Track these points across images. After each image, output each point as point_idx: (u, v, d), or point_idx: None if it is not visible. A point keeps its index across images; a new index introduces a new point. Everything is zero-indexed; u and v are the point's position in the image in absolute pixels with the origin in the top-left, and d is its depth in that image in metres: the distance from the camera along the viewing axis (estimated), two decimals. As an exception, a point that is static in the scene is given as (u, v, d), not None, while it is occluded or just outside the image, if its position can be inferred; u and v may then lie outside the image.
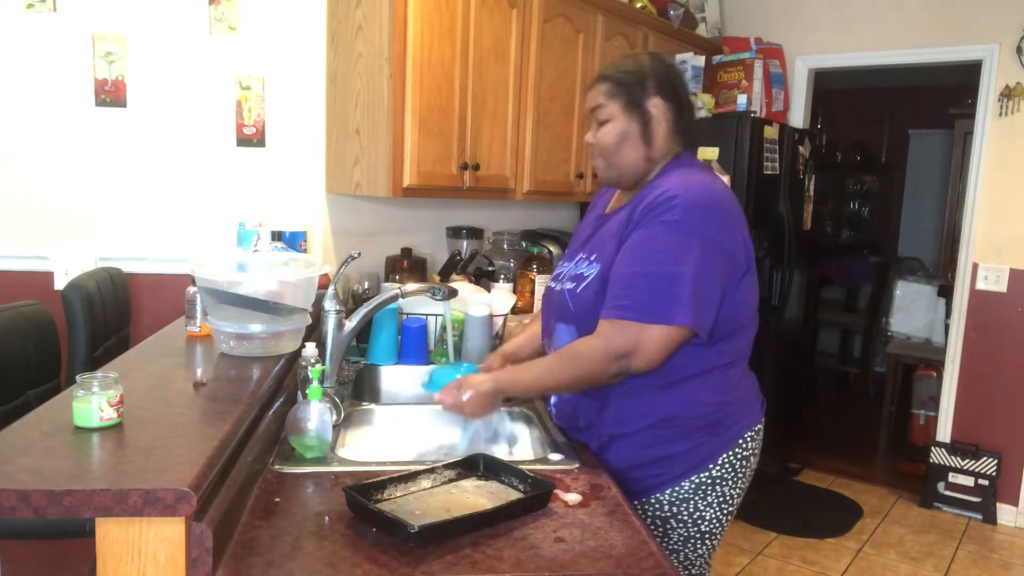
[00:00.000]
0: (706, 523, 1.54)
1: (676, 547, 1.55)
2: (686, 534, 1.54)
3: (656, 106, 1.51)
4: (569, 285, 1.56)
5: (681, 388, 1.48)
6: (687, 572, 1.58)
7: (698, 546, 1.56)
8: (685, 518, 1.53)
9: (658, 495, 1.52)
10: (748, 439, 1.56)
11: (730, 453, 1.53)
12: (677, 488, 1.51)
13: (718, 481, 1.52)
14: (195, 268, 1.63)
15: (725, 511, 1.55)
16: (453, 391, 1.49)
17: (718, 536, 1.58)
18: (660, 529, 1.54)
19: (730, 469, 1.53)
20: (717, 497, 1.53)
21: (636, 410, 1.50)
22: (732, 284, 1.45)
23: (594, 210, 1.73)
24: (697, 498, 1.52)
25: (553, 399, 1.69)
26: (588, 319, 1.48)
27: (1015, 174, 3.57)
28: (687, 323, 1.38)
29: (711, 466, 1.51)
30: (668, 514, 1.53)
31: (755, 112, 3.60)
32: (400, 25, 2.36)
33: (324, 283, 2.42)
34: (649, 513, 1.54)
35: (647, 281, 1.39)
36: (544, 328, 1.70)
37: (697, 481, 1.51)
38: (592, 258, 1.54)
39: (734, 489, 1.55)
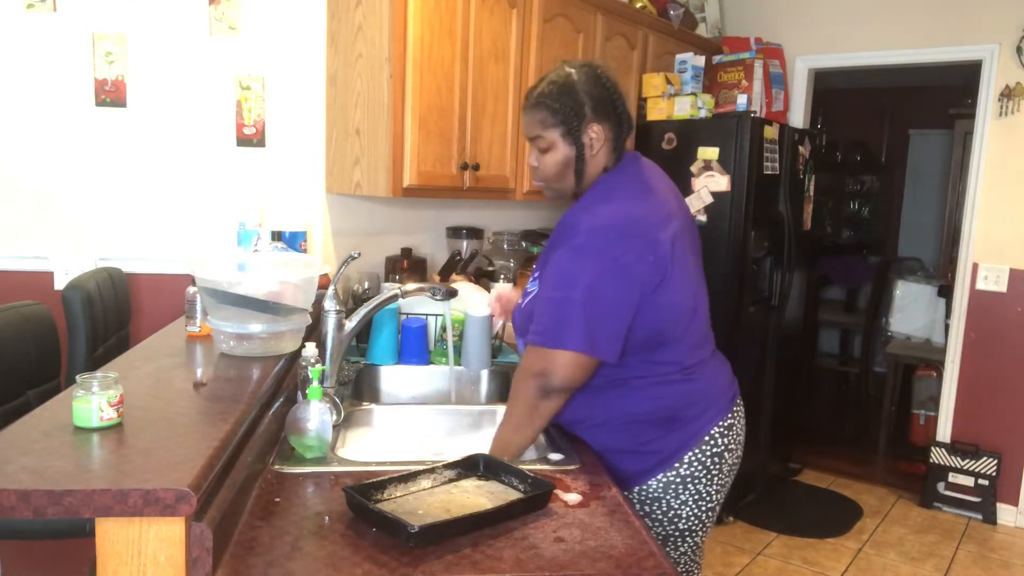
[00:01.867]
0: (684, 521, 1.55)
1: None
2: (664, 533, 1.56)
3: (595, 132, 1.52)
4: (524, 300, 1.61)
5: (627, 388, 1.52)
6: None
7: (679, 544, 1.58)
8: (660, 516, 1.55)
9: (625, 493, 1.52)
10: (716, 435, 1.56)
11: (696, 450, 1.53)
12: (644, 487, 1.54)
13: (689, 479, 1.53)
14: (195, 267, 1.63)
15: (703, 508, 1.56)
16: None
17: (700, 533, 1.59)
18: None
19: (700, 467, 1.54)
20: (692, 495, 1.54)
21: (589, 408, 1.55)
22: (645, 300, 1.44)
23: None
24: (669, 497, 1.53)
25: None
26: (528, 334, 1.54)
27: (1015, 174, 3.57)
28: (580, 349, 1.42)
29: (677, 464, 1.53)
30: (641, 512, 1.55)
31: (755, 112, 3.59)
32: (400, 25, 2.36)
33: (324, 283, 2.42)
34: None
35: (549, 306, 1.46)
36: None
37: (665, 480, 1.53)
38: (536, 275, 1.60)
39: (710, 486, 1.55)
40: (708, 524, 1.60)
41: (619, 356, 1.45)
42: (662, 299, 1.46)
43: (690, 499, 1.54)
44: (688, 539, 1.58)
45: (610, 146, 1.55)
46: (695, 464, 1.53)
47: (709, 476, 1.55)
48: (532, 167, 1.61)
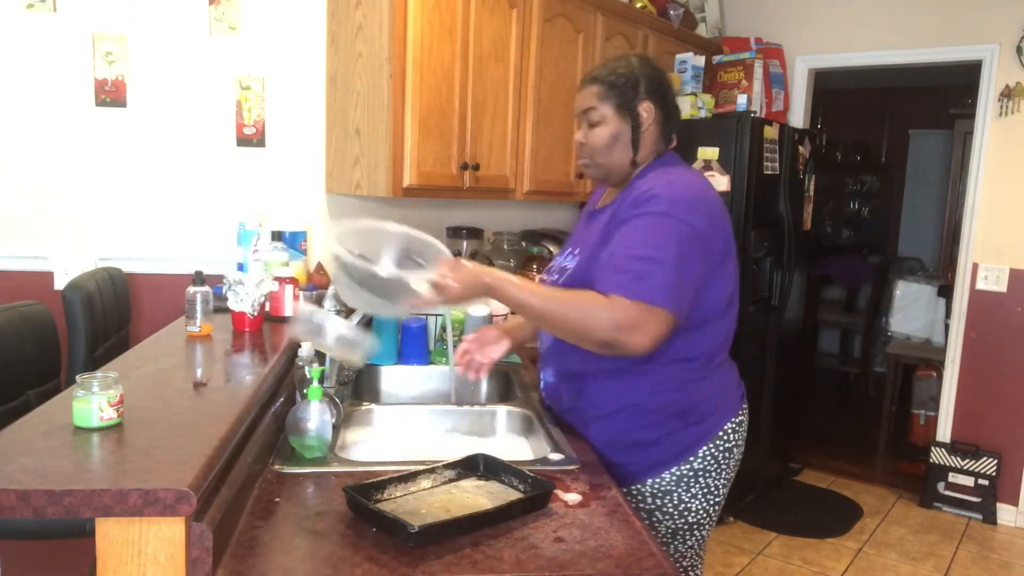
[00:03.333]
0: (693, 514, 1.56)
1: (665, 539, 1.58)
2: (673, 526, 1.56)
3: (647, 110, 1.54)
4: (554, 277, 1.62)
5: (654, 374, 1.51)
6: (678, 564, 1.61)
7: (687, 538, 1.58)
8: (671, 510, 1.55)
9: (639, 486, 1.55)
10: (729, 431, 1.58)
11: (711, 445, 1.55)
12: (658, 480, 1.54)
13: (700, 473, 1.54)
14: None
15: (711, 502, 1.57)
16: (445, 270, 1.46)
17: (706, 528, 1.60)
18: (647, 521, 1.56)
19: (712, 461, 1.55)
20: (701, 489, 1.55)
21: (608, 393, 1.54)
22: (711, 270, 1.48)
23: (589, 207, 1.77)
24: (680, 490, 1.54)
25: (542, 383, 1.73)
26: None
27: (1015, 174, 3.57)
28: (670, 307, 1.39)
29: (691, 458, 1.53)
30: (653, 506, 1.55)
31: (755, 112, 3.60)
32: (400, 25, 2.36)
33: (324, 283, 2.42)
34: (634, 505, 1.56)
35: (639, 263, 1.40)
36: None
37: (678, 473, 1.53)
38: (576, 252, 1.59)
39: (718, 480, 1.57)
40: (714, 518, 1.61)
41: (684, 323, 1.45)
42: (713, 282, 1.49)
43: (700, 493, 1.55)
44: (696, 533, 1.59)
45: (660, 130, 1.56)
46: (708, 458, 1.54)
47: (719, 470, 1.56)
48: (578, 144, 1.60)
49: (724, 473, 1.58)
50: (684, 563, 1.61)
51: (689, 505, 1.55)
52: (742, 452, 1.63)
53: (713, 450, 1.55)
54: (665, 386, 1.52)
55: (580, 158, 1.63)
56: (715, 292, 1.51)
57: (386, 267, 1.49)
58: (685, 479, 1.54)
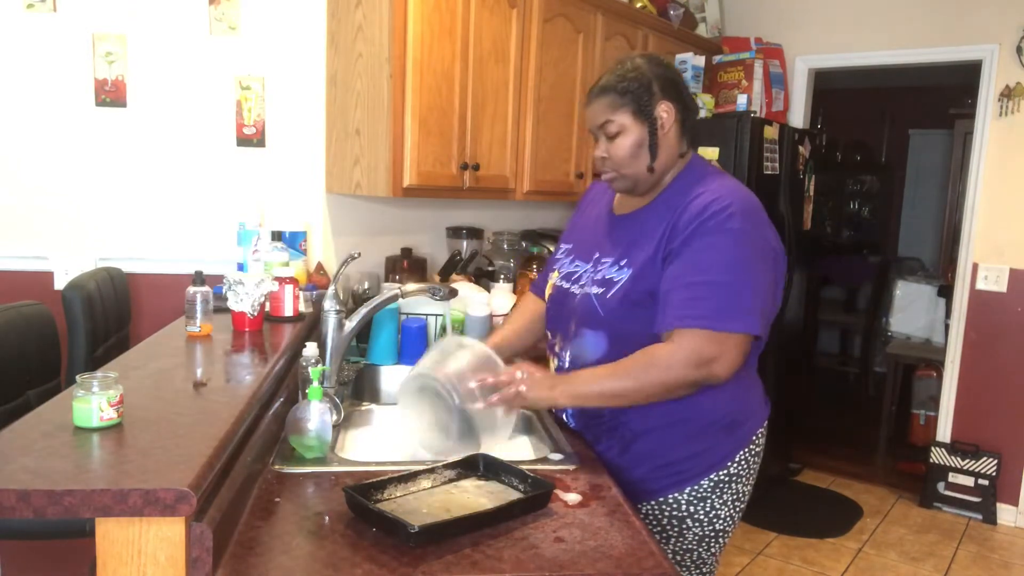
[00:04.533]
0: (721, 521, 1.54)
1: (691, 546, 1.54)
2: (701, 533, 1.53)
3: (666, 110, 1.48)
4: (596, 290, 1.52)
5: (708, 386, 1.46)
6: (699, 571, 1.58)
7: (711, 544, 1.55)
8: (701, 517, 1.52)
9: (676, 494, 1.51)
10: (760, 435, 1.58)
11: (746, 450, 1.53)
12: (696, 487, 1.50)
13: (734, 478, 1.52)
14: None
15: (738, 508, 1.56)
16: (510, 387, 1.43)
17: (730, 534, 1.58)
18: (676, 528, 1.53)
19: (745, 466, 1.54)
20: (732, 495, 1.53)
21: (660, 408, 1.47)
22: (778, 285, 1.48)
23: (594, 207, 1.69)
24: (714, 496, 1.51)
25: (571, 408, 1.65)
26: (618, 325, 1.47)
27: (1015, 174, 3.57)
28: (756, 330, 1.39)
29: (729, 463, 1.51)
30: (685, 513, 1.52)
31: (755, 112, 3.59)
32: (400, 25, 2.36)
33: (324, 283, 2.42)
34: (667, 512, 1.53)
35: (720, 289, 1.37)
36: (554, 326, 1.66)
37: (716, 479, 1.51)
38: (623, 263, 1.50)
39: (747, 485, 1.56)
40: (736, 525, 1.59)
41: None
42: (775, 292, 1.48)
43: (730, 499, 1.53)
44: (720, 540, 1.56)
45: (680, 128, 1.51)
46: (742, 463, 1.53)
47: (749, 475, 1.55)
48: (600, 159, 1.54)
49: (751, 478, 1.57)
50: (704, 569, 1.58)
51: (719, 512, 1.52)
52: (762, 456, 1.62)
53: (747, 455, 1.53)
54: (719, 398, 1.48)
55: (603, 172, 1.55)
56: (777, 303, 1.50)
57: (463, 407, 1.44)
58: (721, 485, 1.51)
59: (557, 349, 1.64)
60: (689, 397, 1.45)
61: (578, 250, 1.64)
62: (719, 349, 1.36)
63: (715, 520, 1.53)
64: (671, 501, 1.52)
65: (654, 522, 1.54)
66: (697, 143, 1.61)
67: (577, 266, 1.61)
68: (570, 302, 1.58)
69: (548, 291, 1.70)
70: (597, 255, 1.56)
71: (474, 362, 1.47)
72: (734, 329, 1.37)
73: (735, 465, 1.52)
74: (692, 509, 1.51)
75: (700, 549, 1.55)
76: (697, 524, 1.52)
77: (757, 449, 1.57)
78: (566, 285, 1.61)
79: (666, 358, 1.38)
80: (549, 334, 1.69)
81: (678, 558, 1.56)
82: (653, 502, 1.53)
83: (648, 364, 1.40)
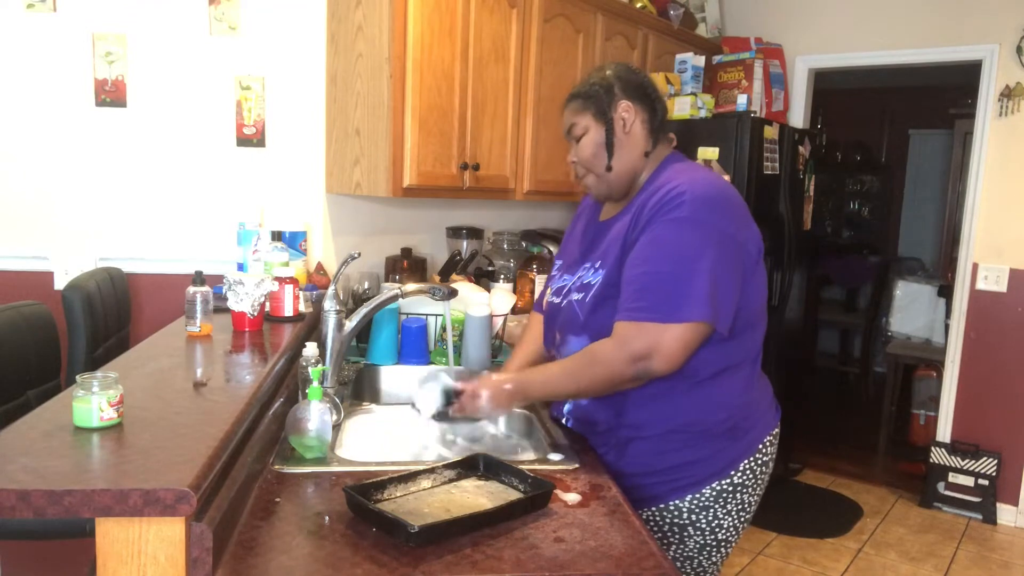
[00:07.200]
0: (723, 531, 1.52)
1: (691, 554, 1.54)
2: (703, 542, 1.52)
3: (626, 109, 1.52)
4: (577, 296, 1.54)
5: (703, 390, 1.46)
6: None
7: (712, 554, 1.54)
8: (703, 526, 1.51)
9: (677, 501, 1.50)
10: (767, 444, 1.55)
11: (751, 459, 1.52)
12: (698, 495, 1.49)
13: (739, 488, 1.51)
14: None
15: (742, 519, 1.54)
16: (471, 395, 1.48)
17: (733, 544, 1.57)
18: (677, 536, 1.52)
19: (751, 476, 1.52)
20: (736, 505, 1.52)
21: (656, 414, 1.47)
22: (748, 274, 1.44)
23: (581, 221, 1.71)
24: (717, 506, 1.50)
25: (567, 407, 1.66)
26: (597, 326, 1.47)
27: (1015, 174, 3.57)
28: (705, 318, 1.35)
29: (733, 473, 1.50)
30: (687, 521, 1.51)
31: (755, 112, 3.59)
32: (400, 25, 2.36)
33: (324, 283, 2.42)
34: (667, 519, 1.52)
35: (661, 280, 1.36)
36: (549, 341, 1.69)
37: (719, 488, 1.50)
38: (597, 266, 1.52)
39: (752, 496, 1.54)
40: (740, 535, 1.58)
41: (729, 331, 1.41)
42: (753, 286, 1.46)
43: (734, 509, 1.51)
44: (723, 549, 1.55)
45: (646, 128, 1.53)
46: (747, 473, 1.51)
47: (755, 486, 1.53)
48: (572, 163, 1.59)
49: (759, 489, 1.55)
50: None
51: (722, 522, 1.51)
52: (772, 467, 1.60)
53: (752, 464, 1.52)
54: (715, 403, 1.47)
55: (581, 178, 1.59)
56: (754, 297, 1.47)
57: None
58: (724, 494, 1.50)
59: (553, 359, 1.67)
60: (686, 402, 1.45)
61: (567, 265, 1.67)
62: (654, 341, 1.35)
63: (717, 530, 1.52)
64: (672, 508, 1.51)
65: (655, 528, 1.53)
66: (661, 138, 1.58)
67: (565, 280, 1.63)
68: (558, 313, 1.62)
69: (544, 308, 1.74)
70: (584, 264, 1.59)
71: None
72: (675, 320, 1.35)
73: (739, 475, 1.50)
74: (694, 517, 1.50)
75: (701, 557, 1.54)
76: (699, 533, 1.51)
77: (765, 459, 1.54)
78: (556, 299, 1.64)
79: (605, 355, 1.40)
80: (547, 350, 1.73)
81: (678, 565, 1.55)
82: (654, 508, 1.52)
83: (591, 362, 1.42)
